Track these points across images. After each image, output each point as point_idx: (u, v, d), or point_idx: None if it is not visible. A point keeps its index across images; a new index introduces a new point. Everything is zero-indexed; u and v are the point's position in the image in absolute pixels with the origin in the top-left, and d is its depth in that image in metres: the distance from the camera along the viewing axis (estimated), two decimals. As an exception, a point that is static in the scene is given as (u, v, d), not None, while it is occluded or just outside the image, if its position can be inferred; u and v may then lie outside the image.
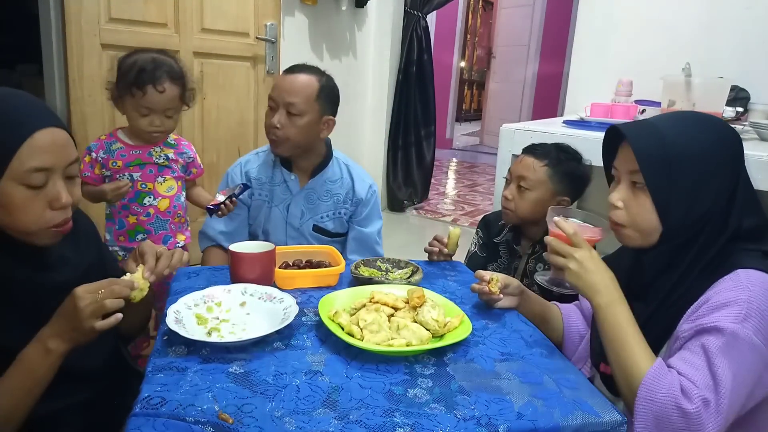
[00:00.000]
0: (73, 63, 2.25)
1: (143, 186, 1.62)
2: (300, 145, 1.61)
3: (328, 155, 1.71)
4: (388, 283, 1.26)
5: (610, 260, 1.19)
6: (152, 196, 1.63)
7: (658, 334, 1.00)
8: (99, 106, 2.31)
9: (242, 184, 1.57)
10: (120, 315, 0.89)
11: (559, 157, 1.51)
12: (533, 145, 1.57)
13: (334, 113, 1.65)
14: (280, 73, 1.62)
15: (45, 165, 0.87)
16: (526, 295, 1.26)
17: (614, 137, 1.06)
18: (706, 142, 0.97)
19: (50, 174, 0.89)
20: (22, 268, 0.93)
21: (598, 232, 1.09)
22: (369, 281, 1.28)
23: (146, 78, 1.50)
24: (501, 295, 1.18)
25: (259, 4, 2.79)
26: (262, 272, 1.22)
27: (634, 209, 1.01)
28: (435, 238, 1.49)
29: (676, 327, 0.97)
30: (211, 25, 2.64)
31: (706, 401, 0.84)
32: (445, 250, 1.46)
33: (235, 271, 1.22)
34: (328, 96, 1.61)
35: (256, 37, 2.81)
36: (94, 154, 1.58)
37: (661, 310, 1.01)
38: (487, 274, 1.19)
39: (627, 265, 1.11)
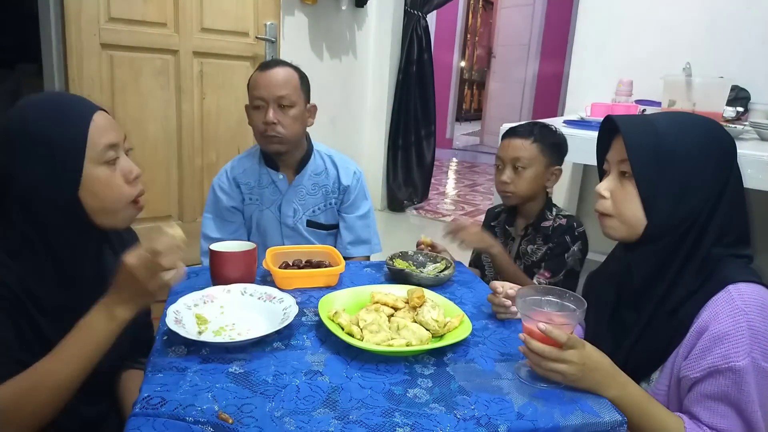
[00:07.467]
0: (73, 63, 2.25)
1: None
2: (293, 140, 1.62)
3: (310, 149, 1.72)
4: (417, 277, 1.31)
5: (599, 269, 1.18)
6: None
7: (658, 347, 0.98)
8: (99, 106, 2.31)
9: None
10: (183, 266, 0.90)
11: (542, 132, 1.60)
12: (512, 128, 1.64)
13: (309, 100, 1.68)
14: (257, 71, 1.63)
15: (112, 141, 0.97)
16: None
17: (609, 131, 1.06)
18: (699, 139, 0.96)
19: (117, 149, 0.98)
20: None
21: (573, 316, 0.93)
22: (399, 273, 1.33)
23: None
24: (514, 309, 1.12)
25: (259, 4, 2.78)
26: (244, 272, 1.22)
27: (620, 198, 1.00)
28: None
29: (678, 342, 0.95)
30: (210, 24, 2.64)
31: None
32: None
33: (218, 271, 1.21)
34: (307, 84, 1.66)
35: (256, 37, 2.81)
36: None
37: (656, 320, 0.98)
38: (499, 285, 1.16)
39: (616, 271, 1.09)
